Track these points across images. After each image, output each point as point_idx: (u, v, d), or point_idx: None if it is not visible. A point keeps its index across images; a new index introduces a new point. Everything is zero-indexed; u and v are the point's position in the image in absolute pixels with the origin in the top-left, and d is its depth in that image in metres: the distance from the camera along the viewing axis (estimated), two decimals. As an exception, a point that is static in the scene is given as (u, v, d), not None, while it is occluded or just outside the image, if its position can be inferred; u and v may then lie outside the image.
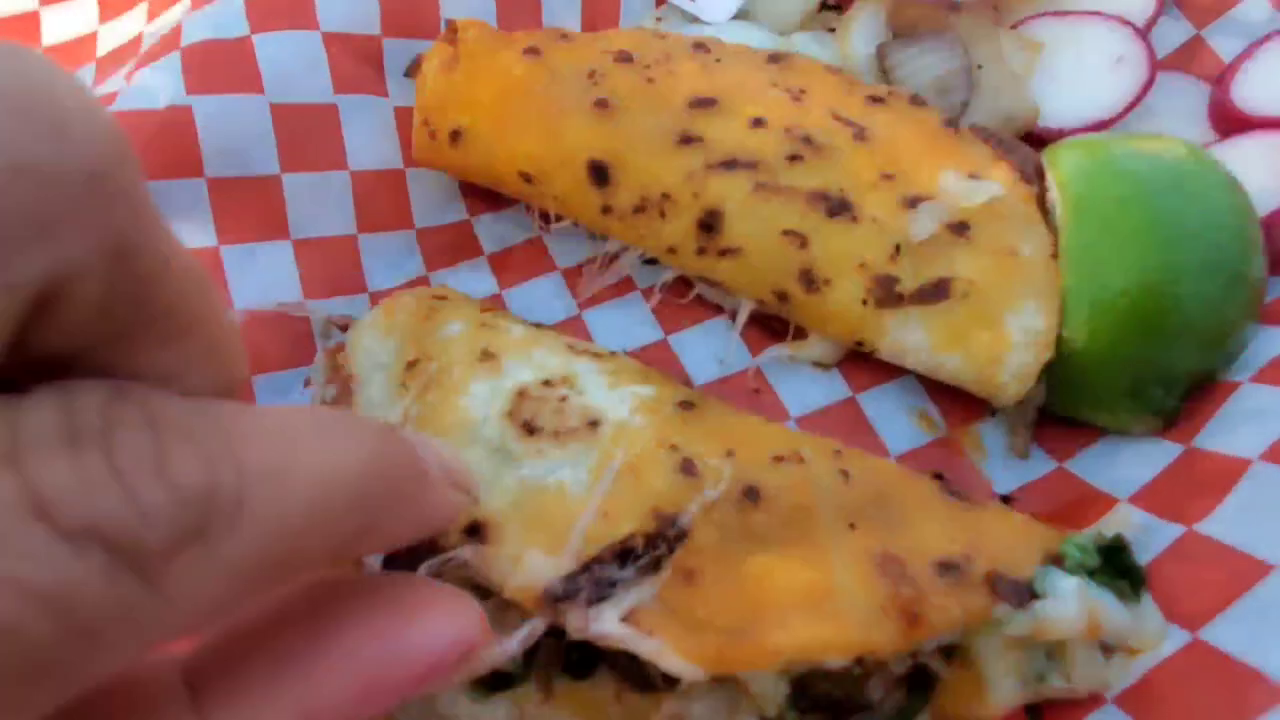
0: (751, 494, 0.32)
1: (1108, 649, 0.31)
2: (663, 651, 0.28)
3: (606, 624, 0.29)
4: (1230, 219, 0.39)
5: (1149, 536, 0.34)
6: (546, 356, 0.38)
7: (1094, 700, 0.30)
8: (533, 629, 0.29)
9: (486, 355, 0.38)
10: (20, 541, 0.14)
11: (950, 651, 0.31)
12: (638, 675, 0.32)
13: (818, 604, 0.29)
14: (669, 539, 0.30)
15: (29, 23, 0.57)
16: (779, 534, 0.32)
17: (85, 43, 0.55)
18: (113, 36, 0.55)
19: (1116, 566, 0.32)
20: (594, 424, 0.34)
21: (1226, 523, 0.32)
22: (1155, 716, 0.28)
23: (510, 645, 0.28)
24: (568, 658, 0.34)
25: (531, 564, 0.30)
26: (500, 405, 0.35)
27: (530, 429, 0.34)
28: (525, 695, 0.33)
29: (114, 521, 0.14)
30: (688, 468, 0.33)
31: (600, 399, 0.36)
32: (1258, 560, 0.30)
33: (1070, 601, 0.30)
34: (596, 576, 0.29)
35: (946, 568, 0.30)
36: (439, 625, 0.20)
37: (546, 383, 0.36)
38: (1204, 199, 0.39)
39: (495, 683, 0.34)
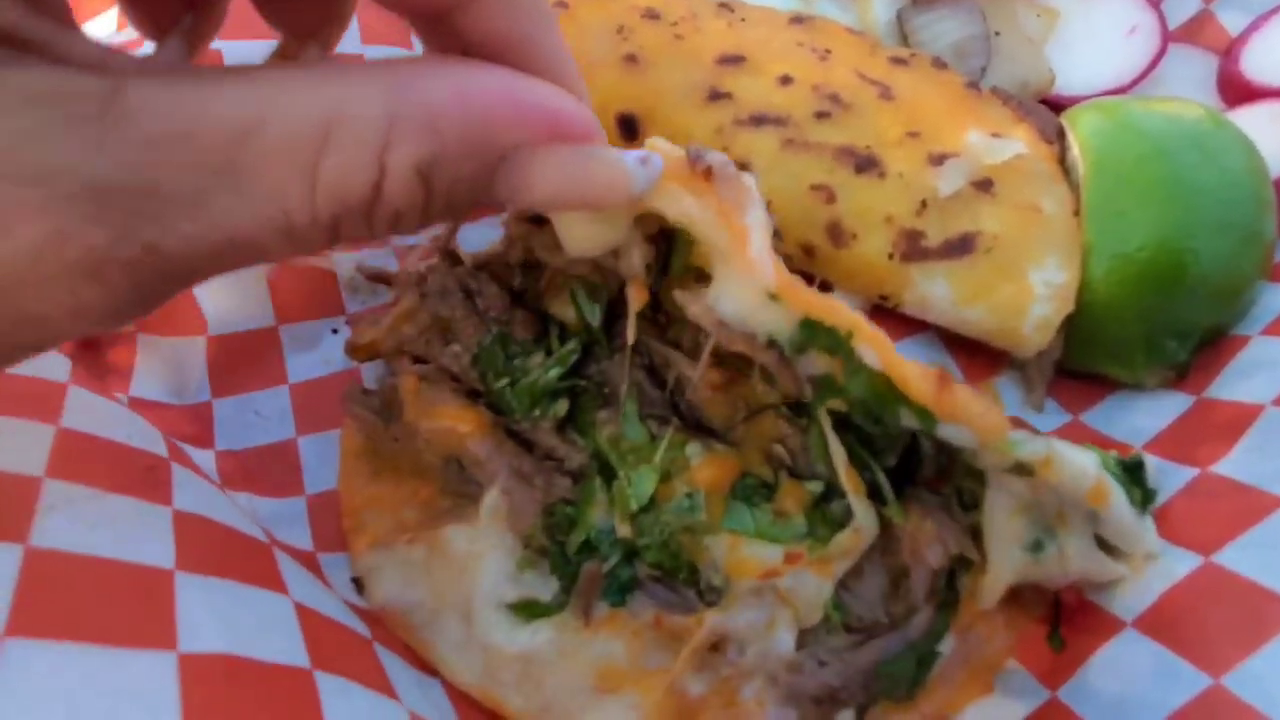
0: None
1: (1106, 547, 0.32)
2: None
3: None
4: (1246, 179, 0.40)
5: (1163, 479, 0.36)
6: None
7: (1113, 625, 0.31)
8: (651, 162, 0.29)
9: None
10: None
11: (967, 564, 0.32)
12: (676, 600, 0.34)
13: None
14: None
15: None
16: None
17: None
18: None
19: (1133, 479, 0.33)
20: None
21: (1238, 463, 0.34)
22: (1174, 636, 0.29)
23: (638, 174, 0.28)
24: (607, 585, 0.35)
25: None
26: None
27: None
28: (564, 622, 0.34)
29: None
30: None
31: None
32: (1269, 494, 0.31)
33: (1085, 457, 0.31)
34: None
35: None
36: (566, 100, 0.26)
37: None
38: (1221, 159, 0.40)
39: (535, 610, 0.35)
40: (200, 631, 0.25)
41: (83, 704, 0.21)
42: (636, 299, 0.35)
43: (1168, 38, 0.56)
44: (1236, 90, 0.54)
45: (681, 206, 0.31)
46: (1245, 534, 0.31)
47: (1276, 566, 0.29)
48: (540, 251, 0.38)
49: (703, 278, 0.34)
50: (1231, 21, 0.59)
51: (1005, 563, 0.32)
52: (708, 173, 0.31)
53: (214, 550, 0.30)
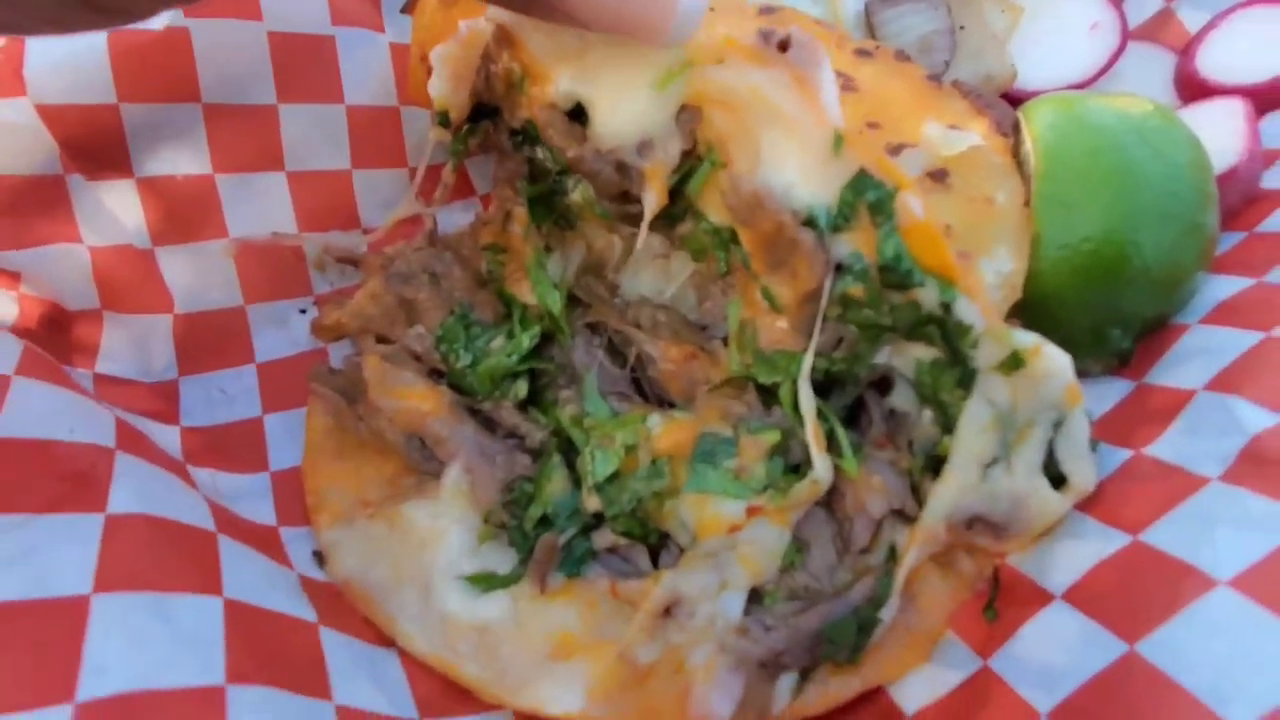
0: None
1: (1056, 480, 0.34)
2: None
3: None
4: (1189, 172, 0.42)
5: (1102, 460, 0.37)
6: None
7: (1044, 597, 0.33)
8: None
9: None
10: None
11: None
12: (630, 570, 0.35)
13: None
14: None
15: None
16: None
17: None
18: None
19: None
20: None
21: (1168, 444, 0.35)
22: (1098, 607, 0.31)
23: None
24: (563, 557, 0.36)
25: None
26: None
27: None
28: (521, 592, 0.35)
29: None
30: None
31: None
32: (1195, 475, 0.33)
33: (1064, 357, 0.34)
34: None
35: None
36: None
37: None
38: (1166, 153, 0.42)
39: (492, 581, 0.36)
40: (105, 672, 0.25)
41: None
42: (656, 200, 0.38)
43: (1127, 35, 0.57)
44: (1191, 88, 0.55)
45: (748, 79, 0.35)
46: (1170, 512, 0.32)
47: (1195, 541, 0.30)
48: (564, 141, 0.40)
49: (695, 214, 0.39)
50: (1191, 20, 0.60)
51: (962, 478, 0.34)
52: (785, 44, 0.35)
53: (143, 557, 0.30)
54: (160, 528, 0.31)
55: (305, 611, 0.33)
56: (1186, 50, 0.57)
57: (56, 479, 0.31)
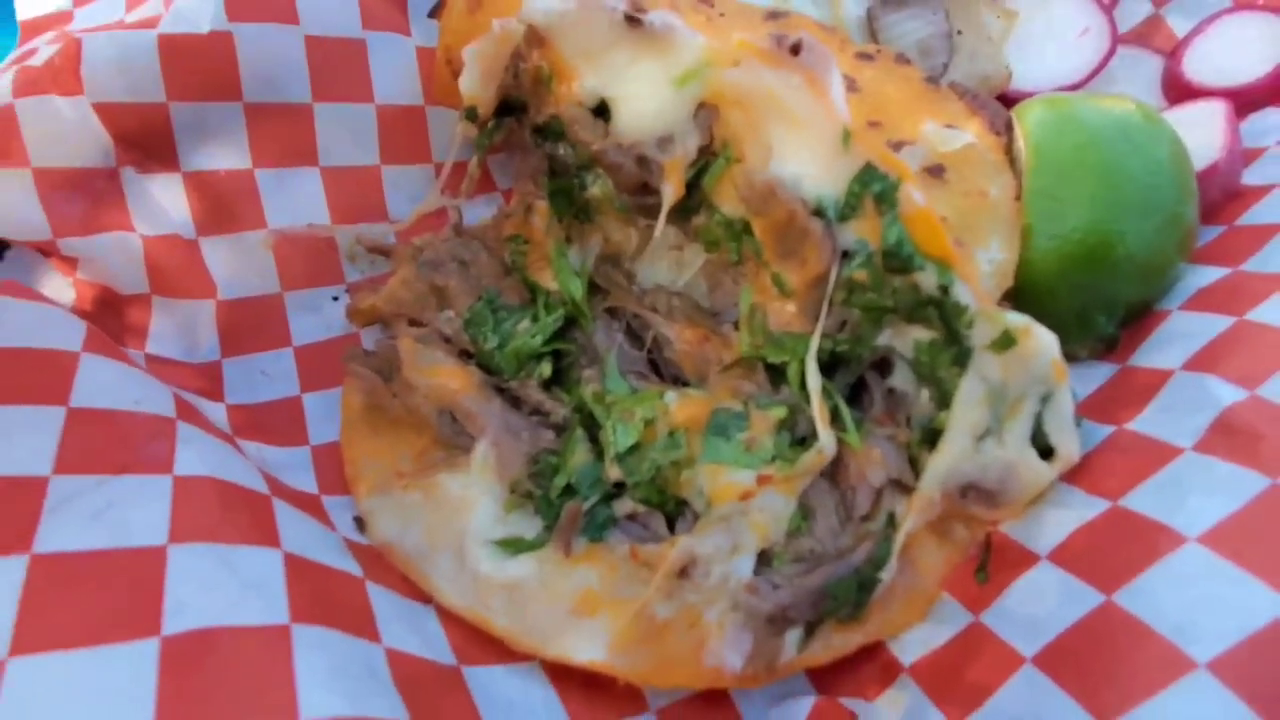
0: None
1: (1045, 453, 0.37)
2: None
3: None
4: (1170, 167, 0.44)
5: (1087, 436, 0.40)
6: None
7: (1030, 559, 0.35)
8: None
9: None
10: None
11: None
12: (649, 535, 0.38)
13: None
14: None
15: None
16: None
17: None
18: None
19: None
20: None
21: (1148, 420, 0.38)
22: (1079, 565, 0.33)
23: None
24: (586, 523, 0.38)
25: None
26: None
27: None
28: (547, 555, 0.38)
29: None
30: None
31: None
32: (1170, 445, 0.35)
33: (1050, 336, 0.37)
34: None
35: None
36: None
37: None
38: (1148, 149, 0.45)
39: (520, 545, 0.39)
40: (187, 608, 0.28)
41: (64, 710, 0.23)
42: (674, 192, 0.41)
43: (1117, 39, 0.60)
44: (1177, 89, 0.58)
45: (762, 79, 0.39)
46: (1147, 480, 0.35)
47: (1169, 504, 0.33)
48: (588, 135, 0.43)
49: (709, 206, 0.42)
50: (1179, 25, 0.63)
51: (957, 447, 0.37)
52: (796, 48, 0.38)
53: (210, 514, 0.32)
54: (222, 488, 0.34)
55: (352, 567, 0.36)
56: (1173, 54, 0.59)
57: (128, 445, 0.34)
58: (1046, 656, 0.31)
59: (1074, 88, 0.59)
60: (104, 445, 0.33)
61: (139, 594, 0.28)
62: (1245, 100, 0.55)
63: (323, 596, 0.32)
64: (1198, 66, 0.57)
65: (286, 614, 0.29)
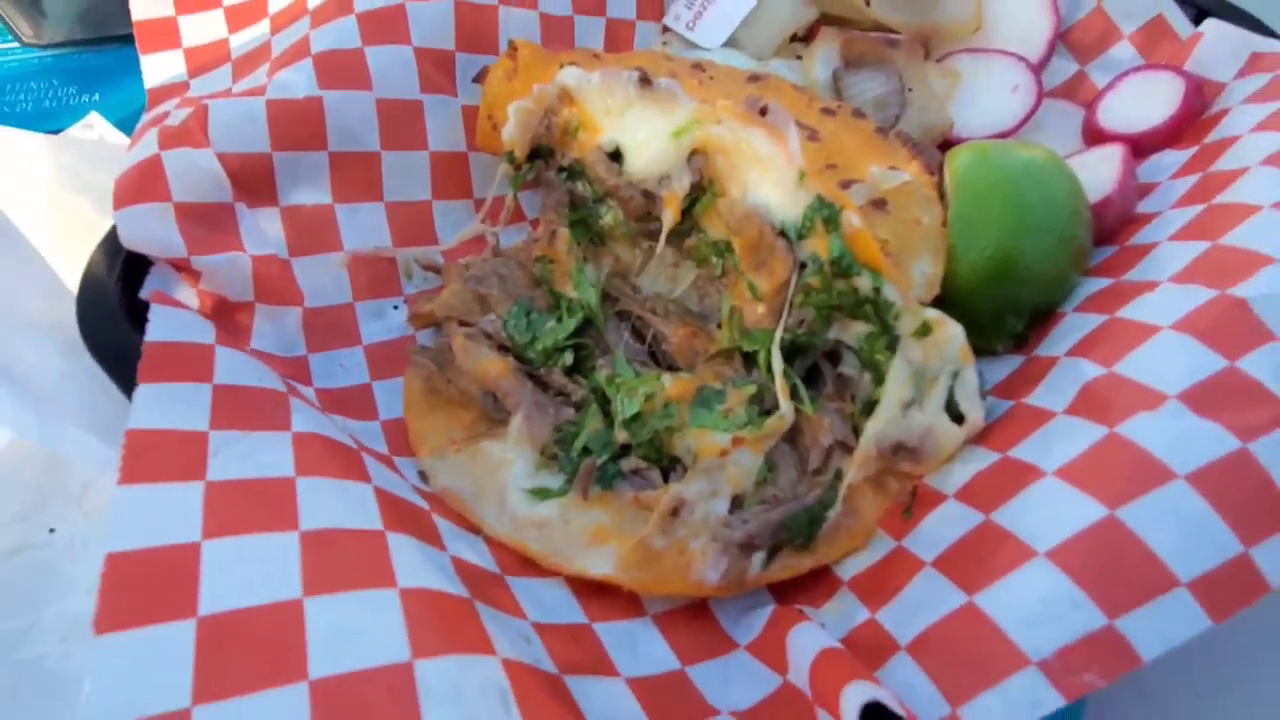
0: None
1: (958, 419, 0.47)
2: None
3: None
4: (1065, 199, 0.56)
5: (994, 409, 0.51)
6: None
7: (941, 498, 0.46)
8: None
9: None
10: None
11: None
12: (647, 485, 0.48)
13: None
14: None
15: (168, 26, 0.72)
16: None
17: (219, 46, 0.71)
18: (242, 43, 0.70)
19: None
20: None
21: (1037, 395, 0.48)
22: (974, 499, 0.44)
23: None
24: (599, 475, 0.49)
25: None
26: None
27: None
28: (568, 500, 0.49)
29: None
30: None
31: None
32: (1049, 411, 0.46)
33: (957, 327, 0.48)
34: None
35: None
36: None
37: None
38: (1049, 185, 0.56)
39: (548, 494, 0.50)
40: (314, 515, 0.39)
41: (228, 570, 0.34)
42: (671, 218, 0.54)
43: (1042, 95, 0.72)
44: (1093, 135, 0.70)
45: (739, 133, 0.51)
46: (1029, 437, 0.45)
47: (1039, 452, 0.43)
48: (605, 174, 0.56)
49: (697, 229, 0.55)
50: (1100, 80, 0.75)
51: (889, 414, 0.48)
52: (764, 110, 0.51)
53: (321, 458, 0.44)
54: (326, 441, 0.45)
55: (421, 503, 0.47)
56: (1090, 106, 0.71)
57: (257, 411, 0.45)
58: (941, 560, 0.41)
59: (1006, 134, 0.71)
60: (242, 411, 0.44)
61: (281, 504, 0.39)
62: (1147, 144, 0.66)
63: (404, 516, 0.43)
64: (1108, 116, 0.69)
65: (381, 524, 0.40)
